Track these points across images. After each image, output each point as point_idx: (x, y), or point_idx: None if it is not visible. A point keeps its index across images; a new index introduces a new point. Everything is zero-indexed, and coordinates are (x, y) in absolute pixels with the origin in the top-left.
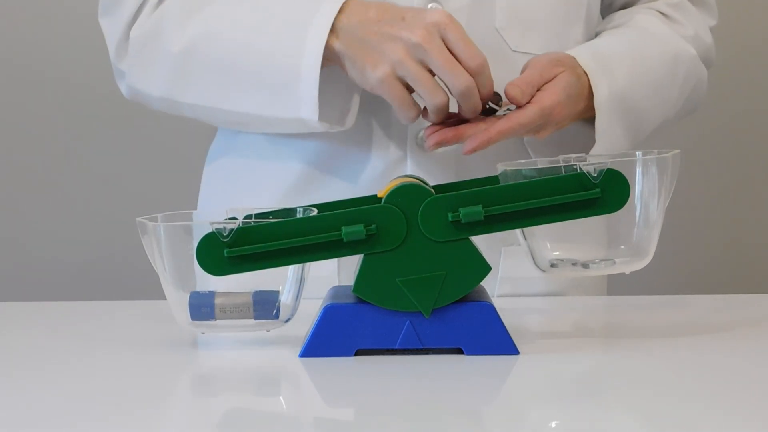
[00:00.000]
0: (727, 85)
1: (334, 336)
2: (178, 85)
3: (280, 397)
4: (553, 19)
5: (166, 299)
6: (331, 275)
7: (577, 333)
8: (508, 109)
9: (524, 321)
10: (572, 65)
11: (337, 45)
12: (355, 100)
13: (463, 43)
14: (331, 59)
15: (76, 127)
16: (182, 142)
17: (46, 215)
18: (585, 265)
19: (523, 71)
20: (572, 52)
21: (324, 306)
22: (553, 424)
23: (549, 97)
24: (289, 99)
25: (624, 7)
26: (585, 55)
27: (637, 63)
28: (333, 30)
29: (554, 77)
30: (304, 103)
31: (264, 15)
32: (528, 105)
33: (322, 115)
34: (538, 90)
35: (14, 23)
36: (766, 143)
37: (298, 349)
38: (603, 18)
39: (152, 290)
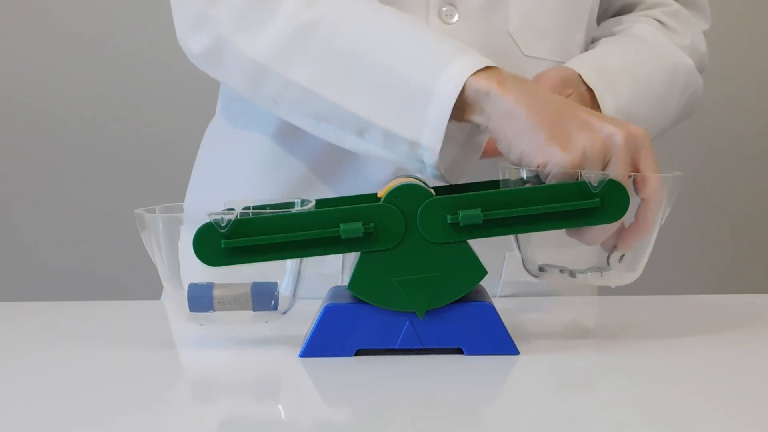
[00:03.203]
0: (722, 88)
1: (334, 336)
2: (289, 56)
3: (280, 398)
4: (561, 25)
5: (164, 299)
6: (335, 273)
7: (578, 333)
8: None
9: (524, 321)
10: (577, 84)
11: (495, 88)
12: (469, 158)
13: (652, 170)
14: (470, 105)
15: (75, 127)
16: (182, 141)
17: (46, 215)
18: (572, 273)
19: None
20: (576, 68)
21: (324, 306)
22: (553, 424)
23: None
24: (411, 115)
25: (619, 13)
26: (588, 70)
27: (639, 77)
28: (491, 71)
29: None
30: (428, 126)
31: (412, 26)
32: None
33: (443, 152)
34: None
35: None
36: (765, 142)
37: (298, 349)
38: (598, 24)
39: (152, 290)
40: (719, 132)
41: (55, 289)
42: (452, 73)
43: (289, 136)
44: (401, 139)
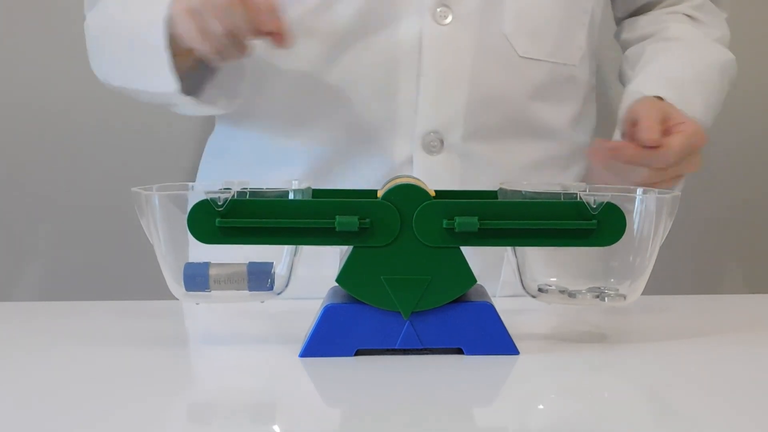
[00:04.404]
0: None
1: (334, 336)
2: (97, 64)
3: (280, 397)
4: (559, 25)
5: (164, 299)
6: (333, 275)
7: (578, 333)
8: None
9: (524, 321)
10: (670, 109)
11: (171, 5)
12: (232, 81)
13: None
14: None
15: (78, 130)
16: (182, 141)
17: (46, 215)
18: (572, 295)
19: (630, 120)
20: (655, 91)
21: (324, 306)
22: (554, 424)
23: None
24: (149, 70)
25: (641, 10)
26: (666, 91)
27: (706, 88)
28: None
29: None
30: (161, 75)
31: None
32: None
33: (191, 91)
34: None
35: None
36: (766, 144)
37: (298, 349)
38: (618, 23)
39: (151, 290)
40: (720, 134)
41: (56, 289)
42: (157, 16)
43: (282, 140)
44: (163, 95)
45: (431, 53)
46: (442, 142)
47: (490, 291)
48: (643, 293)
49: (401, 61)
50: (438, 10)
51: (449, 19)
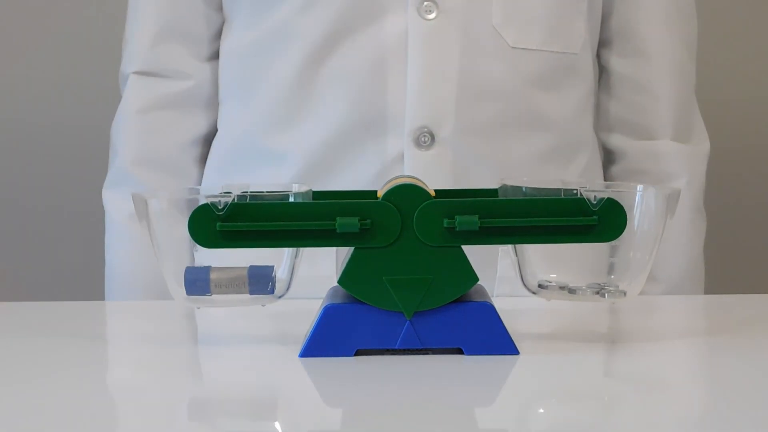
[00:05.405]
0: (721, 89)
1: (334, 336)
2: None
3: (280, 398)
4: (553, 14)
5: (164, 299)
6: (330, 275)
7: (578, 333)
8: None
9: (524, 321)
10: None
11: None
12: None
13: None
14: None
15: (77, 128)
16: None
17: (46, 214)
18: (572, 291)
19: None
20: None
21: (324, 306)
22: (553, 425)
23: None
24: None
25: (606, 41)
26: None
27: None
28: None
29: None
30: None
31: None
32: None
33: None
34: None
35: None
36: (765, 142)
37: (298, 349)
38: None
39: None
40: (720, 133)
41: (56, 289)
42: None
43: (273, 140)
44: None
45: (417, 48)
46: (433, 137)
47: (487, 287)
48: (643, 293)
49: (388, 57)
50: (425, 4)
51: (434, 13)
